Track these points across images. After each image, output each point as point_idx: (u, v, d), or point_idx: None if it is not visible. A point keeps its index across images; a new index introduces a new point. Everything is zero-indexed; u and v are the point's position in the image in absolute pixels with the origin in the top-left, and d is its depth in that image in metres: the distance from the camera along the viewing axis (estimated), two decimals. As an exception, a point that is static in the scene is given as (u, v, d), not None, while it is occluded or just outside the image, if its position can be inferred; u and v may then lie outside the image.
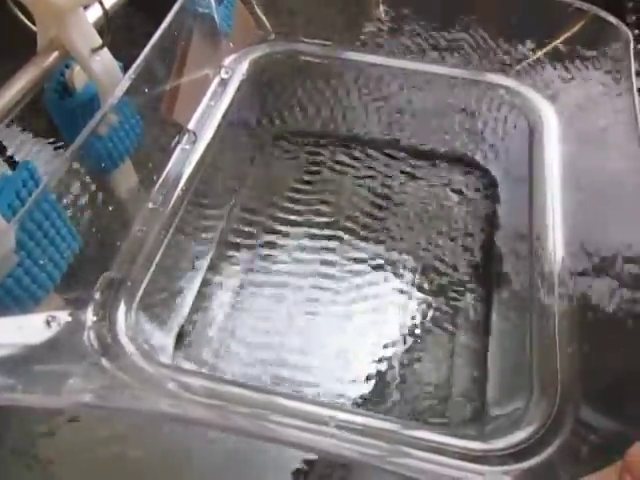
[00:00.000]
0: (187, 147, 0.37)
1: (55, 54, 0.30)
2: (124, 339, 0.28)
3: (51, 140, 0.41)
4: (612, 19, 0.39)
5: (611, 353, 0.27)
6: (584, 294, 0.30)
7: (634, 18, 0.49)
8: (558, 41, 0.41)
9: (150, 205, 0.34)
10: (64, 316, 0.27)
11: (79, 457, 0.28)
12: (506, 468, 0.25)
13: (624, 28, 0.38)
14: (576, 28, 0.40)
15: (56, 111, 0.32)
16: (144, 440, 0.28)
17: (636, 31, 0.46)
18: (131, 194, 0.33)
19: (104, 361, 0.26)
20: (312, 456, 0.27)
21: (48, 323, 0.26)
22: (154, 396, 0.26)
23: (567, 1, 0.40)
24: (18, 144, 0.41)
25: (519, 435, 0.26)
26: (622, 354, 0.27)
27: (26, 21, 0.30)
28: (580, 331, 0.29)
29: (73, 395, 0.24)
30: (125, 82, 0.31)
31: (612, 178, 0.34)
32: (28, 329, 0.25)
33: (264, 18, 0.44)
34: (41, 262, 0.26)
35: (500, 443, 0.26)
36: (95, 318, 0.28)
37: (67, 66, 0.31)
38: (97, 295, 0.29)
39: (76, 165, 0.28)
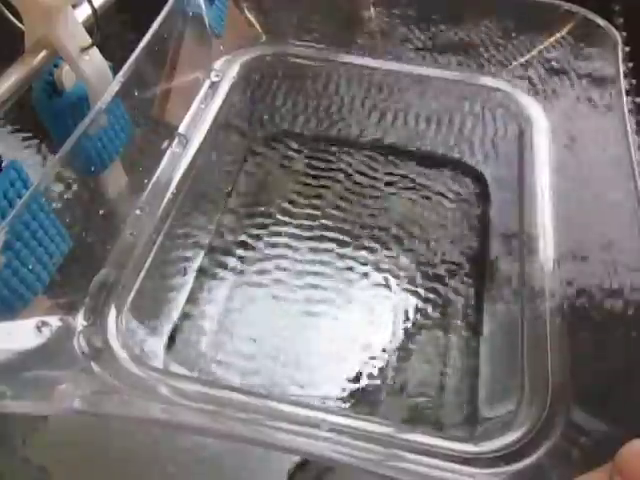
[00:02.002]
0: (178, 150, 0.37)
1: (43, 53, 0.29)
2: (115, 344, 0.27)
3: (39, 140, 0.40)
4: (601, 21, 0.39)
5: (602, 355, 0.28)
6: (575, 296, 0.30)
7: (621, 20, 0.49)
8: (547, 43, 0.41)
9: (140, 209, 0.33)
10: (54, 321, 0.26)
11: (69, 459, 0.28)
12: (497, 470, 0.25)
13: (613, 30, 0.39)
14: (565, 30, 0.41)
15: (44, 111, 0.32)
16: (133, 444, 0.28)
17: (624, 33, 0.46)
18: (121, 196, 0.33)
19: (95, 366, 0.26)
20: (304, 459, 0.27)
21: (39, 329, 0.25)
22: (145, 401, 0.25)
23: (556, 3, 0.40)
24: (5, 143, 0.40)
25: (510, 437, 0.26)
26: (613, 356, 0.27)
27: (13, 20, 0.29)
28: (571, 333, 0.29)
29: (63, 401, 0.24)
30: (115, 85, 0.30)
31: (602, 180, 0.34)
32: (18, 335, 0.25)
33: (254, 20, 0.44)
34: (29, 263, 0.26)
35: (491, 445, 0.26)
36: (86, 323, 0.28)
37: (56, 65, 0.31)
38: (88, 299, 0.29)
39: (66, 166, 0.28)
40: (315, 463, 0.27)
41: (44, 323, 0.26)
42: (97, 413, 0.24)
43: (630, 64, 0.42)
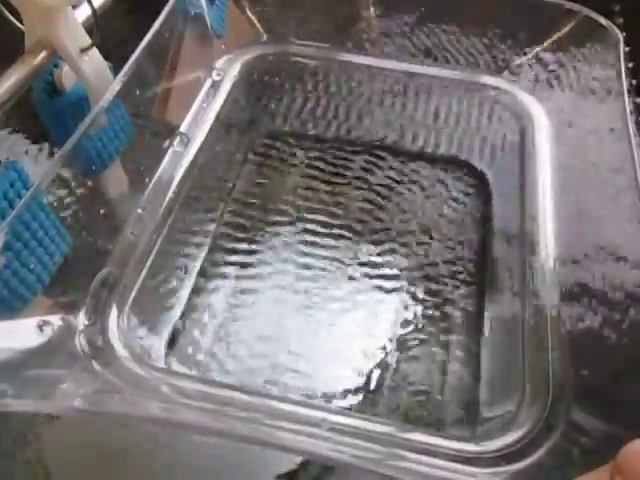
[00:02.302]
0: (179, 149, 0.37)
1: (43, 53, 0.29)
2: (116, 343, 0.28)
3: (39, 140, 0.40)
4: (602, 20, 0.39)
5: (603, 355, 0.28)
6: (576, 295, 0.30)
7: (622, 20, 0.49)
8: (549, 42, 0.41)
9: (142, 208, 0.33)
10: (56, 320, 0.26)
11: (69, 459, 0.28)
12: (498, 470, 0.25)
13: (614, 29, 0.39)
14: (566, 29, 0.41)
15: (45, 111, 0.32)
16: (133, 443, 0.28)
17: (624, 33, 0.46)
18: (122, 196, 0.33)
19: (96, 365, 0.26)
20: (304, 459, 0.27)
21: (40, 328, 0.25)
22: (146, 400, 0.25)
23: (558, 2, 0.40)
24: (5, 144, 0.40)
25: (511, 437, 0.26)
26: (613, 356, 0.27)
27: (13, 20, 0.29)
28: (572, 333, 0.29)
29: (65, 400, 0.24)
30: (116, 85, 0.30)
31: (603, 178, 0.34)
32: (19, 334, 0.25)
33: (255, 20, 0.44)
34: (29, 264, 0.26)
35: (492, 445, 0.26)
36: (87, 322, 0.28)
37: (56, 65, 0.31)
38: (89, 299, 0.29)
39: (66, 166, 0.28)
40: (315, 462, 0.27)
41: (45, 322, 0.26)
42: (98, 412, 0.24)
43: (630, 64, 0.42)
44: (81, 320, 0.28)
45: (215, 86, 0.41)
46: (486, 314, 0.36)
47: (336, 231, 0.40)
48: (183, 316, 0.35)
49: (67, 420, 0.28)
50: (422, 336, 0.35)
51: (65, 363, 0.26)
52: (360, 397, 0.32)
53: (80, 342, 0.27)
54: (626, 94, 0.35)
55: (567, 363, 0.28)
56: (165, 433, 0.28)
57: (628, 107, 0.34)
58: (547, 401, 0.27)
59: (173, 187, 0.35)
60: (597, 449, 0.24)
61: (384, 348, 0.34)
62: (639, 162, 0.31)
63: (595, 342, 0.28)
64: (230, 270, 0.38)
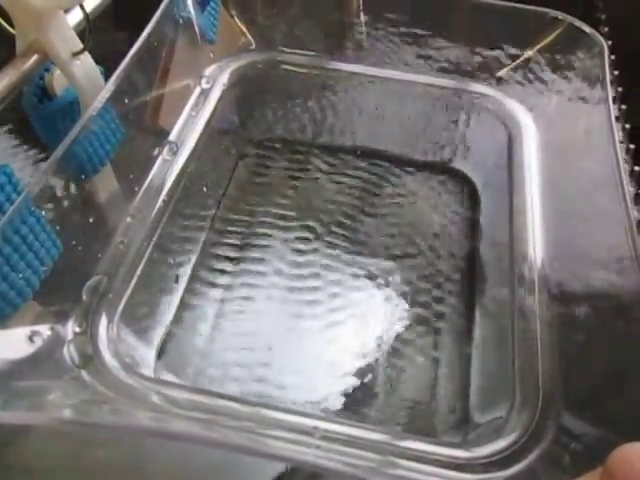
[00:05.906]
0: (168, 158, 0.36)
1: (34, 57, 0.29)
2: (106, 352, 0.27)
3: (30, 144, 0.40)
4: (587, 29, 0.40)
5: (592, 360, 0.28)
6: (565, 300, 0.31)
7: (607, 29, 0.50)
8: (535, 50, 0.42)
9: (131, 216, 0.33)
10: (45, 330, 0.26)
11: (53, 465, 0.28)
12: (489, 476, 0.25)
13: (599, 38, 0.39)
14: (552, 37, 0.41)
15: (35, 115, 0.31)
16: (123, 450, 0.28)
17: (609, 42, 0.47)
18: (112, 203, 0.32)
19: (85, 375, 0.26)
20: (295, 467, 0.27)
21: (29, 338, 0.25)
22: (136, 410, 0.25)
23: (543, 10, 0.41)
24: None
25: (502, 443, 0.26)
26: (603, 360, 0.27)
27: (4, 24, 0.29)
28: (561, 338, 0.29)
29: (54, 411, 0.23)
30: (105, 92, 0.30)
31: (589, 184, 0.34)
32: (8, 344, 0.25)
33: (245, 28, 0.44)
34: (20, 269, 0.26)
35: (483, 451, 0.26)
36: (76, 331, 0.28)
37: (47, 70, 0.31)
38: (78, 307, 0.28)
39: (57, 171, 0.27)
40: (307, 471, 0.27)
41: (36, 333, 0.26)
42: (87, 423, 0.23)
43: (615, 72, 0.43)
44: (70, 329, 0.28)
45: (204, 94, 0.40)
46: (476, 321, 0.36)
47: (326, 239, 0.40)
48: (173, 325, 0.34)
49: (55, 429, 0.28)
50: (412, 343, 0.35)
51: (54, 373, 0.25)
52: (351, 405, 0.32)
53: (69, 352, 0.26)
54: (611, 101, 0.35)
55: (557, 368, 0.28)
56: (153, 442, 0.27)
57: (613, 114, 0.34)
58: (537, 406, 0.27)
59: (163, 195, 0.35)
60: (587, 454, 0.24)
61: (375, 356, 0.34)
62: (625, 168, 0.31)
63: (584, 348, 0.29)
64: (220, 279, 0.37)
